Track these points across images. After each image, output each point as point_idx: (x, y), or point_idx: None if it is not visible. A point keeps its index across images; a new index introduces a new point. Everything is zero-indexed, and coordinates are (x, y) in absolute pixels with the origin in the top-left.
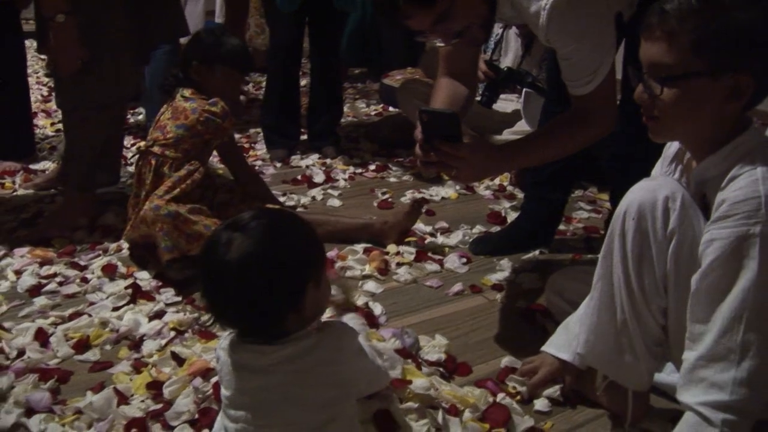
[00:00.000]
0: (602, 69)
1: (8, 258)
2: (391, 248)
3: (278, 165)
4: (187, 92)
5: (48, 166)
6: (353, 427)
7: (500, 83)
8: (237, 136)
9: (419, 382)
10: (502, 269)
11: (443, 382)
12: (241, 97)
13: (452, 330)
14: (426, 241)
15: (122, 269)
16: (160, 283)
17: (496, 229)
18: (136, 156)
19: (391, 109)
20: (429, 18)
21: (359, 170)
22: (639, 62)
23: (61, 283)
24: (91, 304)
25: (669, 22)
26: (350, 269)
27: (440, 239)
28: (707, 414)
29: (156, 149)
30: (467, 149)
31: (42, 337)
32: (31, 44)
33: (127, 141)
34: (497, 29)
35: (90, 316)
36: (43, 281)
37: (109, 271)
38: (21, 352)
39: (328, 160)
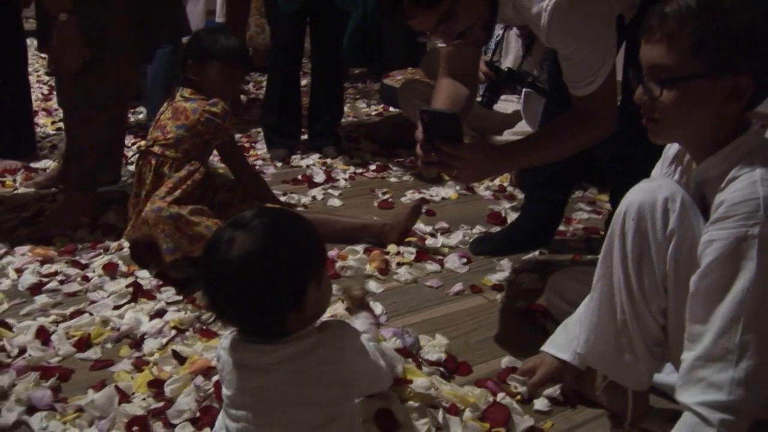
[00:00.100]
0: (603, 70)
1: (9, 256)
2: (392, 248)
3: (279, 165)
4: (186, 92)
5: (49, 164)
6: (354, 427)
7: (501, 84)
8: (237, 135)
9: (420, 381)
10: (502, 269)
11: (443, 381)
12: (242, 97)
13: (452, 330)
14: (426, 242)
15: (123, 268)
16: (160, 282)
17: (496, 229)
18: (137, 155)
19: (391, 109)
20: (432, 18)
21: (360, 170)
22: (639, 64)
23: (62, 282)
24: (92, 302)
25: (669, 25)
26: (351, 269)
27: (440, 239)
28: (705, 414)
29: (156, 149)
30: (468, 149)
31: (43, 336)
32: (31, 43)
33: (128, 140)
34: (498, 30)
35: (91, 314)
36: (44, 280)
37: (110, 270)
38: (22, 350)
39: (329, 160)
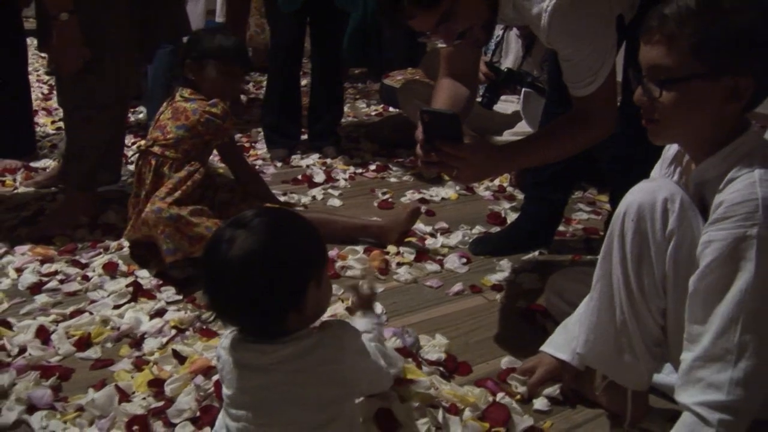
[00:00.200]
0: (603, 71)
1: (9, 256)
2: (391, 248)
3: (279, 165)
4: (186, 92)
5: (49, 164)
6: (354, 427)
7: (500, 84)
8: (237, 135)
9: (420, 381)
10: (502, 270)
11: (443, 381)
12: (242, 97)
13: (452, 330)
14: (426, 242)
15: (123, 267)
16: (160, 282)
17: (495, 229)
18: (136, 155)
19: (391, 109)
20: (432, 18)
21: (359, 170)
22: (639, 65)
23: (62, 281)
24: (92, 302)
25: (668, 26)
26: (350, 269)
27: (440, 239)
28: (704, 414)
29: (156, 149)
30: (468, 150)
31: (43, 335)
32: (31, 42)
33: (128, 140)
34: (498, 31)
35: (91, 314)
36: (44, 279)
37: (110, 270)
38: (22, 350)
39: (329, 160)
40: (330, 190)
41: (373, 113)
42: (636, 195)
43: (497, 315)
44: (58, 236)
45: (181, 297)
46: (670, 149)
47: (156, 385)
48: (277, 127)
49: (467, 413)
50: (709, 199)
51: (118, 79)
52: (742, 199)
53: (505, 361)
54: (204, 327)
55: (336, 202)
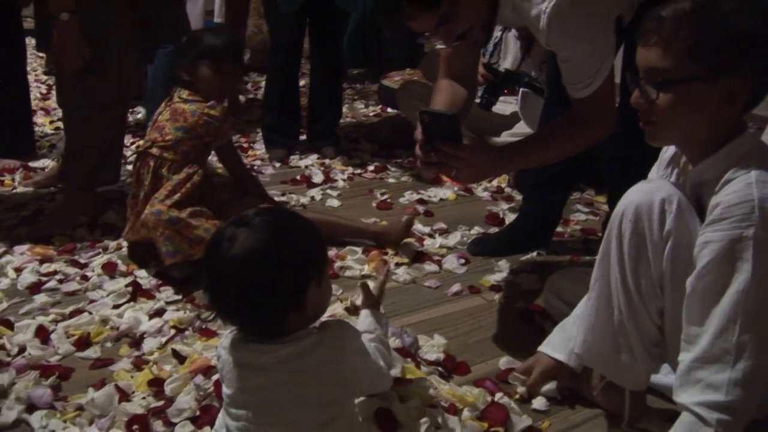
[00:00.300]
0: (602, 72)
1: (8, 255)
2: (390, 249)
3: (277, 165)
4: (185, 93)
5: (47, 163)
6: (354, 426)
7: (499, 85)
8: (236, 136)
9: (419, 381)
10: (501, 270)
11: (442, 381)
12: (240, 97)
13: (451, 330)
14: (424, 243)
15: (122, 267)
16: (160, 282)
17: (494, 230)
18: (134, 156)
19: (389, 110)
20: (432, 20)
21: (358, 171)
22: (636, 67)
23: (61, 281)
24: (92, 301)
25: (665, 28)
26: (349, 269)
27: (439, 240)
28: (703, 414)
29: (154, 151)
30: (467, 150)
31: (43, 335)
32: (30, 42)
33: (127, 140)
34: (496, 32)
35: (90, 313)
36: (44, 279)
37: (110, 269)
38: (22, 349)
39: (327, 161)
40: (328, 191)
41: (372, 114)
42: (634, 196)
43: (496, 315)
44: (58, 236)
45: (180, 297)
46: (668, 151)
47: (156, 384)
48: (276, 127)
49: (466, 413)
50: (706, 201)
51: (119, 79)
52: (738, 201)
53: (504, 361)
54: (203, 326)
55: (334, 203)
